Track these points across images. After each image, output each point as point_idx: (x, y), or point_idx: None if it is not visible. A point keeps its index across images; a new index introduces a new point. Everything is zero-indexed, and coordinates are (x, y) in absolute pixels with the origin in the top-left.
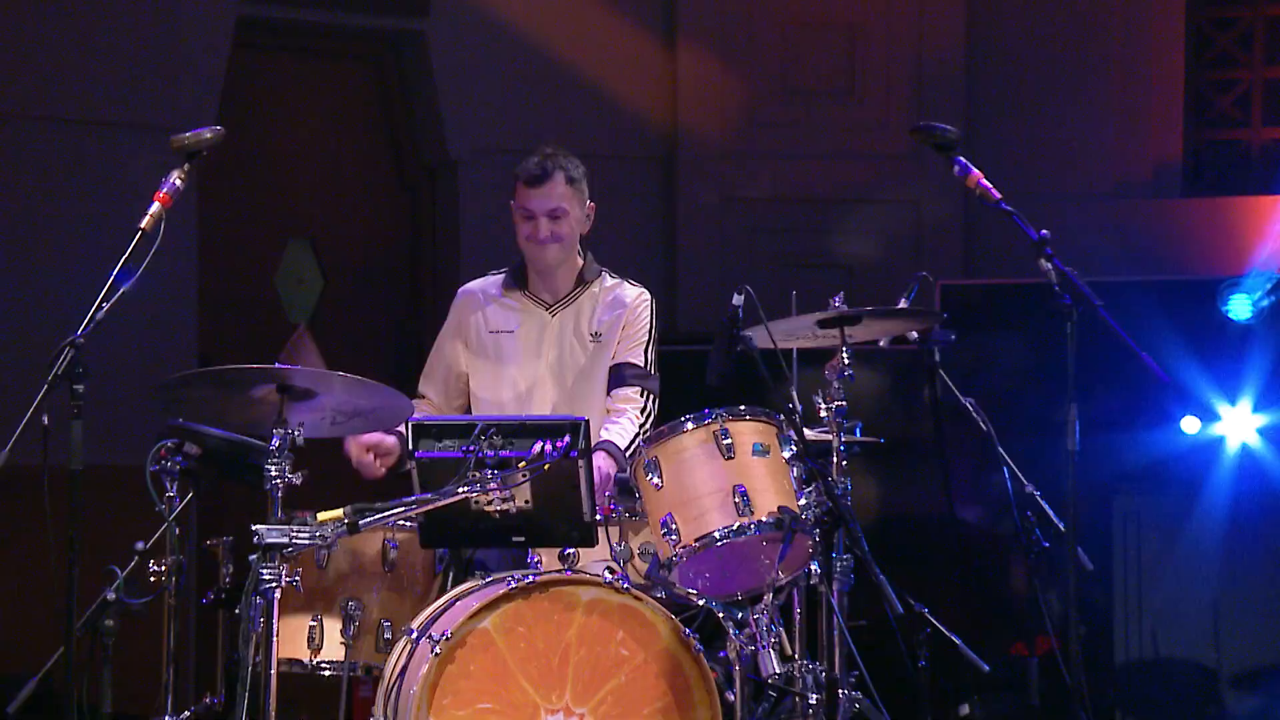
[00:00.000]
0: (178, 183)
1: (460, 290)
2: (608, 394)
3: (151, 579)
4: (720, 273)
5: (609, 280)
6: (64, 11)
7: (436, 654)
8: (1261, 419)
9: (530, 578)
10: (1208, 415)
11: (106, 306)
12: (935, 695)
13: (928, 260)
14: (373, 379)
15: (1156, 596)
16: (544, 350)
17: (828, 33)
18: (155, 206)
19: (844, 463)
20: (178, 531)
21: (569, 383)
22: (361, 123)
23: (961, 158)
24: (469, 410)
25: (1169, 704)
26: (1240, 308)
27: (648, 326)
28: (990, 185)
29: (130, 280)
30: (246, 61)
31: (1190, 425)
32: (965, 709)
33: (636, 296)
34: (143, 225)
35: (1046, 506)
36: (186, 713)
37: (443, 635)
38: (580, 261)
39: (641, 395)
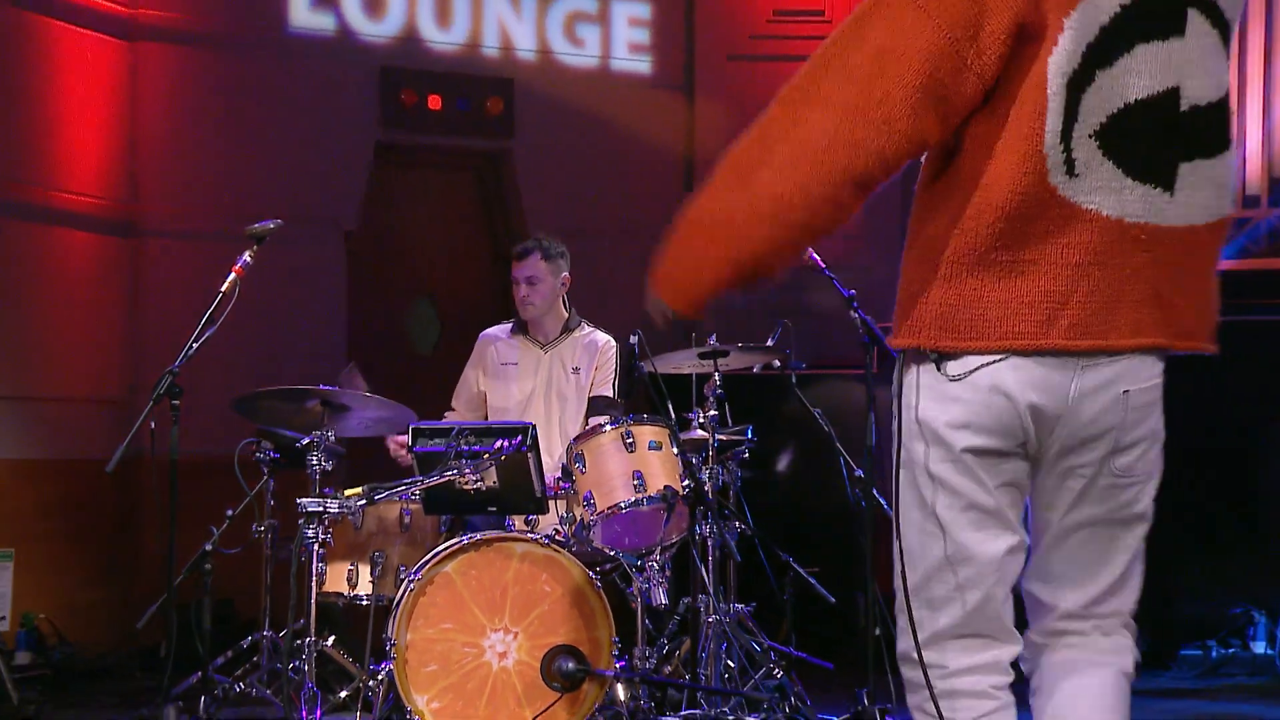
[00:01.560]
0: (248, 259)
1: (481, 334)
2: (586, 418)
3: (255, 536)
4: (726, 321)
5: (586, 329)
6: (249, 138)
7: (411, 589)
8: None
9: (478, 536)
10: None
11: (196, 346)
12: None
13: (876, 308)
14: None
15: None
16: (536, 378)
17: None
18: (232, 276)
19: (744, 454)
20: (272, 503)
21: (553, 401)
22: (466, 214)
23: None
24: (487, 418)
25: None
26: None
27: (614, 366)
28: (818, 258)
29: (214, 329)
30: (383, 173)
31: None
32: (878, 630)
33: (605, 343)
34: (223, 289)
35: (860, 476)
36: (285, 629)
37: (415, 575)
38: (565, 314)
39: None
